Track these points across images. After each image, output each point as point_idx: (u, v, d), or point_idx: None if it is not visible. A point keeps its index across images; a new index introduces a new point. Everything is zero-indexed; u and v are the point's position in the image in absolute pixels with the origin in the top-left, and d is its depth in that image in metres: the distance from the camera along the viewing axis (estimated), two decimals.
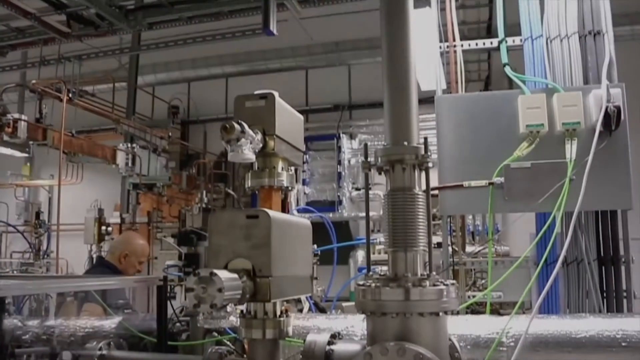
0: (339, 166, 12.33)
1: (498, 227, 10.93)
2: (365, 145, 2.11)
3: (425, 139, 2.00)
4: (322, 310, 4.09)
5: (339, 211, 12.05)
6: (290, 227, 2.24)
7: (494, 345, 2.67)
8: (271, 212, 2.06)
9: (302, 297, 4.69)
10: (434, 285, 1.90)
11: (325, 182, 12.60)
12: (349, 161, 12.37)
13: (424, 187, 2.03)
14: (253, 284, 2.00)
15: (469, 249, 7.67)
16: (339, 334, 2.13)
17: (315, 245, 5.25)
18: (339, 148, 12.52)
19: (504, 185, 3.49)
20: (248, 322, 2.17)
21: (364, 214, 4.90)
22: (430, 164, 1.99)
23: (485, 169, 3.59)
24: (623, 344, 2.66)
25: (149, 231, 12.52)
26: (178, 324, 3.66)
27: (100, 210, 11.81)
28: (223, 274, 1.83)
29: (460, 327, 2.81)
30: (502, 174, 3.53)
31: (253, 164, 3.55)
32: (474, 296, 3.58)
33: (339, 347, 2.03)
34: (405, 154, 1.98)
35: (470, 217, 10.29)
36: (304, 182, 12.35)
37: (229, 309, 1.89)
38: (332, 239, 4.60)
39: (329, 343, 2.02)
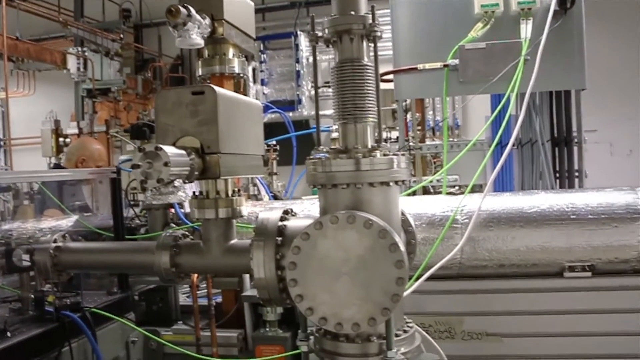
0: (297, 65, 12.13)
1: (458, 122, 11.01)
2: (312, 17, 2.03)
3: (373, 7, 1.94)
4: None
5: (299, 110, 11.94)
6: (239, 105, 2.18)
7: (448, 223, 2.72)
8: (217, 88, 2.00)
9: (262, 191, 4.72)
10: (385, 155, 1.88)
11: (284, 82, 12.37)
12: (308, 59, 12.17)
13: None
14: (202, 161, 1.97)
15: (429, 143, 7.74)
16: (291, 210, 2.12)
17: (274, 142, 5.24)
18: (297, 46, 12.26)
19: (458, 67, 3.46)
20: (200, 203, 2.16)
21: (324, 112, 4.86)
22: (378, 34, 1.93)
23: (441, 51, 3.54)
24: (572, 216, 2.73)
25: (108, 140, 12.31)
26: (137, 221, 3.66)
27: (57, 122, 11.53)
28: (169, 149, 1.79)
29: (416, 206, 2.85)
30: (457, 55, 3.49)
31: (203, 53, 3.46)
32: (431, 181, 3.62)
33: (292, 222, 2.03)
34: (353, 24, 1.92)
35: (431, 112, 10.31)
36: (262, 82, 12.14)
37: (176, 183, 1.86)
38: (291, 133, 4.59)
39: (282, 219, 2.02)
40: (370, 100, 1.93)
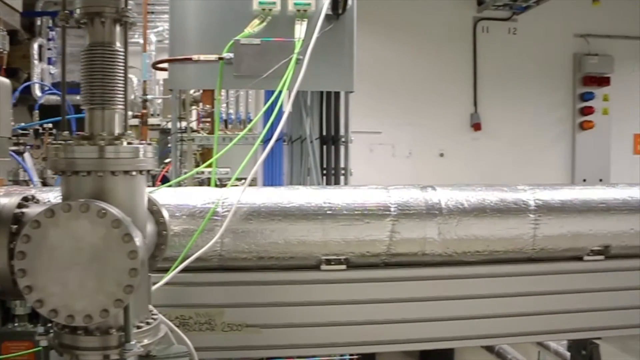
0: None
1: (250, 117, 11.12)
2: None
3: None
4: None
5: None
6: None
7: (208, 215, 2.73)
8: None
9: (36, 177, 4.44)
10: (129, 144, 1.85)
11: (74, 62, 11.50)
12: None
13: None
14: None
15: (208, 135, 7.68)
16: (33, 197, 2.00)
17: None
18: None
19: (233, 61, 3.48)
20: None
21: None
22: (130, 19, 1.89)
23: (218, 44, 3.54)
24: (329, 212, 2.86)
25: None
26: None
27: None
28: None
29: (178, 197, 2.83)
30: (232, 49, 3.51)
31: None
32: (202, 172, 3.61)
33: (32, 209, 1.91)
34: (105, 7, 1.87)
35: (224, 105, 10.33)
36: (49, 61, 11.40)
37: None
38: (71, 120, 4.39)
39: (20, 206, 1.90)
40: (119, 86, 1.88)
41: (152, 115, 9.16)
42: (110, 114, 1.88)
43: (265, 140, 2.92)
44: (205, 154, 6.74)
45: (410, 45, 11.29)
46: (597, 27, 11.17)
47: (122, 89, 1.89)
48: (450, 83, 11.56)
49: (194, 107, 7.55)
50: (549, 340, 5.00)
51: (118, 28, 1.91)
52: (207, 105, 7.41)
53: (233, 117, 10.55)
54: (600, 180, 10.85)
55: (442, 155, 12.01)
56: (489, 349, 5.75)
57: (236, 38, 3.47)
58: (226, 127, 10.36)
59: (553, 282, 3.17)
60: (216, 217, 2.73)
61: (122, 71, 1.89)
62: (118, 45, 1.90)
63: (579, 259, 3.18)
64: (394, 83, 11.03)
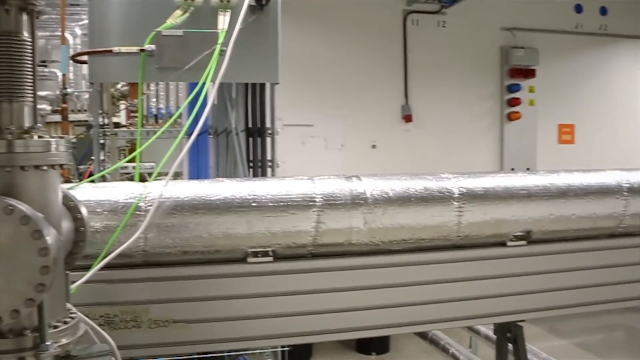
0: None
1: (178, 107, 10.92)
2: None
3: None
4: None
5: None
6: None
7: (130, 210, 2.67)
8: None
9: None
10: (40, 137, 1.79)
11: None
12: None
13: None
14: None
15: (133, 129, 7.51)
16: None
17: None
18: None
19: (155, 53, 3.41)
20: None
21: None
22: (37, 8, 1.83)
23: (139, 36, 3.47)
24: (253, 204, 2.84)
25: None
26: None
27: None
28: None
29: (99, 193, 2.76)
30: (154, 41, 3.44)
31: None
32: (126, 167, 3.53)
33: None
34: None
35: (154, 99, 10.14)
36: None
37: None
38: None
39: None
40: (27, 78, 1.82)
41: (79, 110, 8.92)
42: (19, 106, 1.81)
43: (190, 133, 2.86)
44: (134, 149, 6.59)
45: (341, 38, 11.31)
46: (523, 20, 11.44)
47: (31, 80, 1.82)
48: (382, 75, 11.65)
49: (122, 101, 7.39)
50: (476, 325, 5.12)
51: (25, 17, 1.84)
52: (135, 100, 7.26)
53: (163, 111, 10.38)
54: (528, 169, 11.12)
55: (374, 146, 12.09)
56: (423, 335, 5.84)
57: (158, 29, 3.40)
58: (156, 121, 10.18)
59: (478, 267, 3.24)
60: (139, 212, 2.68)
61: (30, 62, 1.82)
62: (25, 35, 1.83)
63: (503, 244, 3.26)
64: (325, 76, 11.05)
